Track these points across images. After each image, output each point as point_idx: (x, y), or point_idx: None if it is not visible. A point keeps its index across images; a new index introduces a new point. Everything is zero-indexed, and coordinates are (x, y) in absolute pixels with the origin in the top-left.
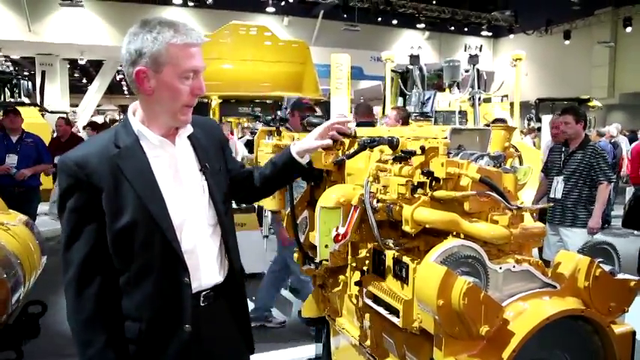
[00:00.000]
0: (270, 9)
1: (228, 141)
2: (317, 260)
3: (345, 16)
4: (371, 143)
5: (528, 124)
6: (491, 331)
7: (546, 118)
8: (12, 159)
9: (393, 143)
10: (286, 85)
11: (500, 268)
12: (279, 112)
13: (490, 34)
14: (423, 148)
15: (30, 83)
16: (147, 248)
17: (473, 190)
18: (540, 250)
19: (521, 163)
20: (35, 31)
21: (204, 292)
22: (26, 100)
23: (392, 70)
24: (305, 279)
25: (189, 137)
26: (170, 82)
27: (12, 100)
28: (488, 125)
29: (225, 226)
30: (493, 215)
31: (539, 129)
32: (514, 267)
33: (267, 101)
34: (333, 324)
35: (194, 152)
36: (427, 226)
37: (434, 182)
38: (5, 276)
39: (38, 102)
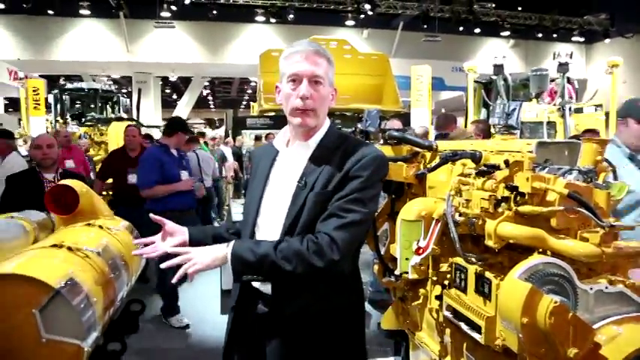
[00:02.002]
0: (350, 22)
1: (362, 180)
2: (397, 273)
3: (425, 26)
4: (453, 157)
5: None
6: (580, 355)
7: None
8: (185, 176)
9: (475, 157)
10: (366, 97)
11: (591, 288)
12: (359, 125)
13: (582, 39)
14: (507, 162)
15: (128, 100)
16: (244, 226)
17: (560, 205)
18: None
19: (615, 178)
20: (132, 52)
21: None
22: (124, 116)
23: (475, 81)
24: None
25: (314, 151)
26: (283, 89)
27: (113, 115)
28: (577, 137)
29: None
30: (583, 232)
31: None
32: (607, 288)
33: (347, 113)
34: (412, 337)
35: (305, 165)
36: (511, 241)
37: (518, 197)
38: (112, 276)
39: (135, 117)
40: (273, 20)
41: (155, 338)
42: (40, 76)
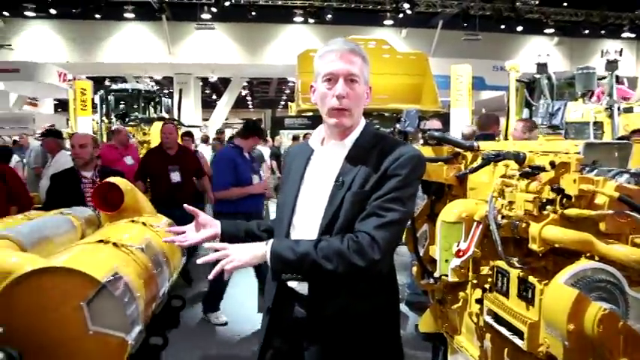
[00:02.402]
0: (388, 22)
1: (400, 178)
2: (436, 275)
3: (465, 24)
4: (495, 158)
5: None
6: None
7: None
8: (256, 179)
9: (519, 158)
10: (404, 97)
11: None
12: (397, 125)
13: (633, 35)
14: (552, 164)
15: (169, 100)
16: (278, 225)
17: (610, 209)
18: None
19: None
20: (174, 53)
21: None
22: (166, 115)
23: (517, 80)
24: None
25: (350, 150)
26: (318, 88)
27: (155, 115)
28: (626, 138)
29: None
30: (634, 238)
31: None
32: None
33: (385, 113)
34: (451, 341)
35: (341, 164)
36: (556, 245)
37: (564, 199)
38: (155, 272)
39: (176, 117)
40: (311, 21)
41: (193, 334)
42: (87, 77)
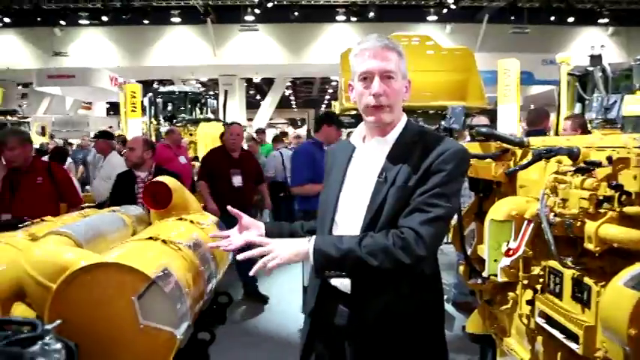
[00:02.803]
0: (432, 17)
1: (444, 174)
2: (485, 275)
3: (512, 18)
4: (547, 153)
5: None
6: None
7: None
8: None
9: (573, 153)
10: (449, 93)
11: None
12: (443, 122)
13: None
14: (610, 159)
15: (215, 101)
16: (320, 223)
17: None
18: None
19: None
20: (219, 55)
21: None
22: (211, 116)
23: (568, 73)
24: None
25: (393, 146)
26: (355, 87)
27: (201, 116)
28: None
29: None
30: None
31: None
32: None
33: (430, 111)
34: (500, 343)
35: (385, 160)
36: (615, 245)
37: (623, 197)
38: (202, 268)
39: (221, 118)
40: (353, 19)
41: (240, 330)
42: (137, 81)
